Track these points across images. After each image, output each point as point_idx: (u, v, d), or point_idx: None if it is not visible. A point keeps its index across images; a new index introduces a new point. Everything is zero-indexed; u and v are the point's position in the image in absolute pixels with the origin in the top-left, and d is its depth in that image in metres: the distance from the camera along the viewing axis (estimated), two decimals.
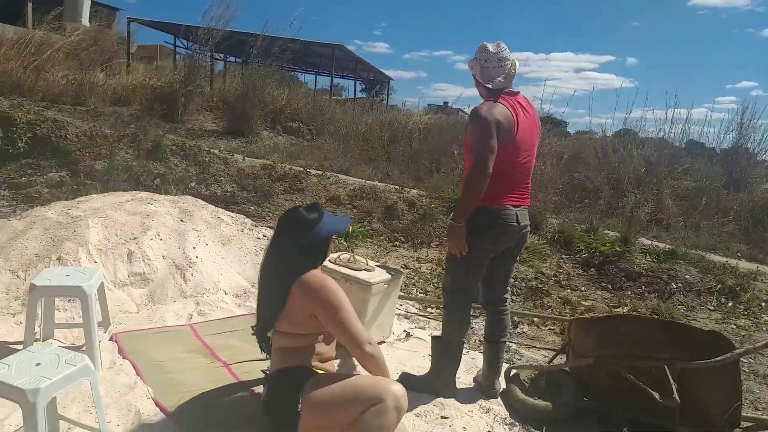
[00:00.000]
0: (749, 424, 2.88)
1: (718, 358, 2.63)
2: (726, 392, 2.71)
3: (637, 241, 6.79)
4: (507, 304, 3.13)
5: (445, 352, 3.03)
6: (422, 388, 2.97)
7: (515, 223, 2.80)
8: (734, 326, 4.86)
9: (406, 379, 3.00)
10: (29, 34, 12.71)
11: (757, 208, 10.34)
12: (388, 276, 3.49)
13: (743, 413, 2.85)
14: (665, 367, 2.71)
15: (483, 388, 3.11)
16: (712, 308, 5.33)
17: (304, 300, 2.19)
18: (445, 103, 25.84)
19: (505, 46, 2.77)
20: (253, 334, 2.50)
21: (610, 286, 5.66)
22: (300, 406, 2.14)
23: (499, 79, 2.74)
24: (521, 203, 2.86)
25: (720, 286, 5.72)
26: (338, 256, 3.57)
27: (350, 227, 6.18)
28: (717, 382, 2.72)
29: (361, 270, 3.46)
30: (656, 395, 2.67)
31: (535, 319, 4.44)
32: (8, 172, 6.41)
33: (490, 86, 2.75)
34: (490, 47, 2.77)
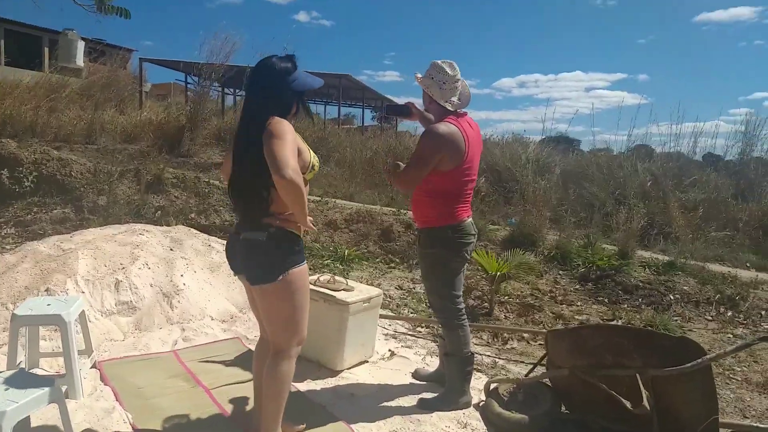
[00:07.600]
0: (729, 431, 2.83)
1: (688, 365, 2.60)
2: (701, 399, 2.67)
3: (635, 254, 6.73)
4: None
5: (460, 365, 3.07)
6: (443, 408, 3.03)
7: (472, 232, 2.99)
8: (731, 335, 4.77)
9: (425, 405, 3.06)
10: (45, 78, 13.19)
11: (767, 217, 10.21)
12: (367, 295, 3.53)
13: (722, 420, 2.82)
14: (636, 375, 2.70)
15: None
16: (710, 318, 5.25)
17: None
18: None
19: (458, 68, 2.89)
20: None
21: (606, 300, 5.60)
22: (282, 275, 2.21)
23: (455, 99, 2.86)
24: (469, 214, 3.03)
25: (718, 296, 5.63)
26: (318, 278, 3.61)
27: (346, 251, 6.24)
28: (691, 389, 2.69)
29: (339, 290, 3.50)
30: (628, 404, 2.65)
31: (525, 334, 4.41)
32: (15, 210, 6.60)
33: (448, 107, 2.85)
34: (447, 69, 2.88)
